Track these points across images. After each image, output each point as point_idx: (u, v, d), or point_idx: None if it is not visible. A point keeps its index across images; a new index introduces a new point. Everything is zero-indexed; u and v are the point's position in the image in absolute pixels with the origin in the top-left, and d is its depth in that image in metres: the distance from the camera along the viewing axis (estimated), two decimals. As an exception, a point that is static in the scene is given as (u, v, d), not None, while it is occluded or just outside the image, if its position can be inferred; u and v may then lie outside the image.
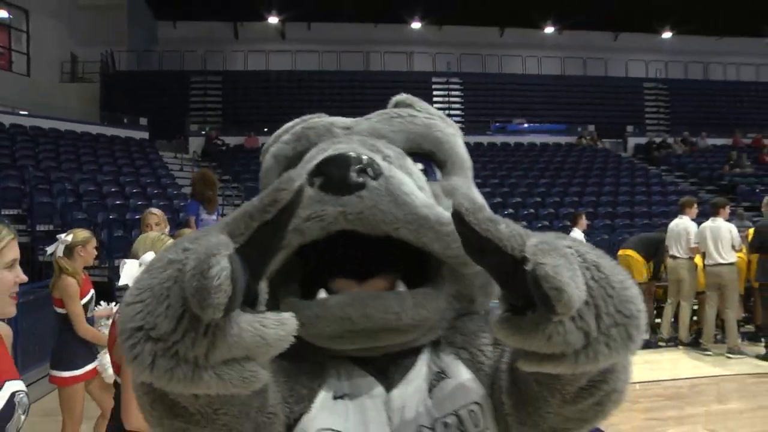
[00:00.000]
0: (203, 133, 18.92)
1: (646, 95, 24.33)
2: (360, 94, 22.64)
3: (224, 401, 0.72)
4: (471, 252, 0.69)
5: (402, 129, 0.97)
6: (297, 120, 1.13)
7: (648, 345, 8.16)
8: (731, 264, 7.22)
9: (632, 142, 21.16)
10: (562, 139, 20.62)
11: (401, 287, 0.85)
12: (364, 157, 0.81)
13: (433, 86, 23.57)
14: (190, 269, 0.60)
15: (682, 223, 7.77)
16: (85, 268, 4.12)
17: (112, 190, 12.17)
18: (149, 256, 2.18)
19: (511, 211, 13.69)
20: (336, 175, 0.79)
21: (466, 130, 21.52)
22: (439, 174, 0.98)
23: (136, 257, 2.41)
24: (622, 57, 24.46)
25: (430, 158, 0.98)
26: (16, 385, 1.54)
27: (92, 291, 4.11)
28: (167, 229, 4.32)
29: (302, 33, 23.85)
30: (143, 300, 0.65)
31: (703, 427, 5.04)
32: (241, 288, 0.61)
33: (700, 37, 24.68)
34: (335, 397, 0.86)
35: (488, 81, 23.50)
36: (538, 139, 20.57)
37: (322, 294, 0.84)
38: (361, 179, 0.79)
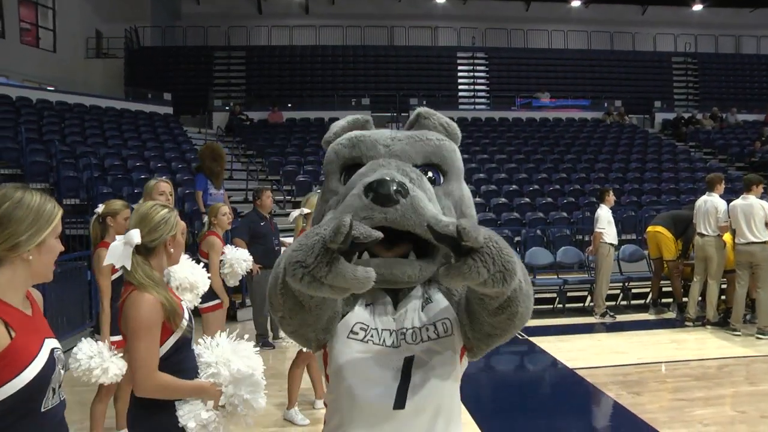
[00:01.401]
0: (227, 108, 18.93)
1: (674, 70, 23.80)
2: (384, 69, 22.49)
3: (321, 302, 1.35)
4: (438, 239, 1.23)
5: (421, 150, 1.52)
6: (349, 119, 1.63)
7: (674, 324, 8.09)
8: (764, 242, 7.05)
9: (659, 117, 20.74)
10: (588, 115, 20.30)
11: (412, 256, 1.43)
12: (398, 181, 1.34)
13: (458, 61, 23.31)
14: (330, 227, 1.17)
15: (711, 201, 7.61)
16: None
17: (137, 164, 12.24)
18: (135, 234, 2.22)
19: (536, 187, 13.55)
20: (381, 194, 1.32)
21: (491, 105, 21.45)
22: (442, 178, 1.53)
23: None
24: (650, 31, 23.95)
25: (437, 167, 1.53)
26: (54, 343, 1.73)
27: None
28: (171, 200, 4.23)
29: (326, 8, 23.67)
30: (301, 248, 1.21)
31: (733, 408, 4.95)
32: (348, 243, 1.16)
33: (731, 9, 24.03)
34: (366, 305, 1.48)
35: (513, 56, 23.17)
36: (564, 114, 20.27)
37: (366, 255, 1.41)
38: (396, 197, 1.31)
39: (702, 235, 7.62)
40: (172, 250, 2.32)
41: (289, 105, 19.63)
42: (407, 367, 1.41)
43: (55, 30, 19.95)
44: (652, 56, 23.72)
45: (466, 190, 1.58)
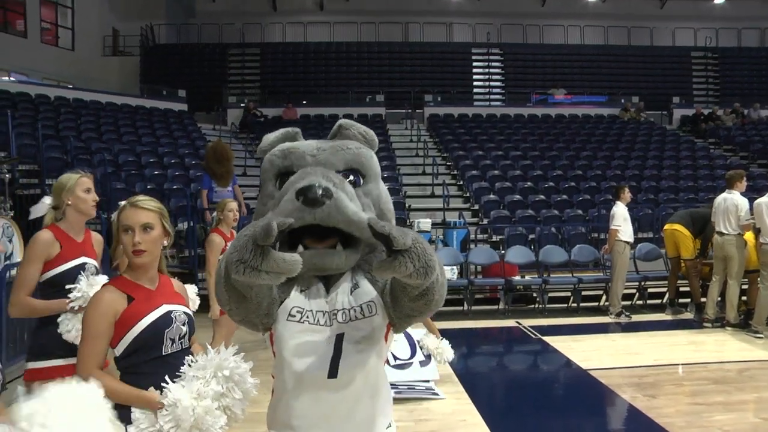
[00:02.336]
0: (241, 105, 18.94)
1: (694, 65, 23.44)
2: (398, 65, 22.41)
3: (260, 291, 1.59)
4: (375, 236, 1.44)
5: (342, 158, 1.76)
6: (280, 132, 1.89)
7: (692, 325, 7.93)
8: (789, 242, 6.87)
9: (678, 114, 20.41)
10: (605, 111, 20.05)
11: (340, 247, 1.65)
12: (324, 186, 1.56)
13: (473, 57, 23.14)
14: (257, 229, 1.39)
15: (731, 198, 7.44)
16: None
17: (151, 160, 12.26)
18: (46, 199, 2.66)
19: (551, 184, 13.39)
20: (310, 197, 1.54)
21: (507, 102, 21.29)
22: (362, 180, 1.77)
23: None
24: (669, 25, 23.61)
25: (357, 172, 1.76)
26: (170, 307, 2.29)
27: None
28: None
29: (340, 4, 23.58)
30: (236, 249, 1.42)
31: (755, 415, 4.75)
32: (273, 240, 1.38)
33: (756, 1, 23.58)
34: (301, 290, 1.71)
35: (529, 51, 22.96)
36: (580, 110, 20.04)
37: (300, 248, 1.64)
38: (322, 200, 1.54)
39: (721, 233, 7.45)
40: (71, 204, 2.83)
41: (304, 102, 19.61)
42: (338, 343, 1.67)
43: (74, 29, 20.23)
44: (670, 51, 23.38)
45: (383, 189, 1.83)
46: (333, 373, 1.65)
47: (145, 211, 2.29)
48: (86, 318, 2.19)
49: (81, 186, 3.16)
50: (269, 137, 1.87)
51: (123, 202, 2.40)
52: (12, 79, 16.02)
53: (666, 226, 8.64)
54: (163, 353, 2.20)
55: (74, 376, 2.06)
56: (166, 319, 2.22)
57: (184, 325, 2.28)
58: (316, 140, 1.83)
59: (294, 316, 1.68)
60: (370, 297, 1.71)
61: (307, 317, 1.67)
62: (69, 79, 18.26)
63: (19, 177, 10.42)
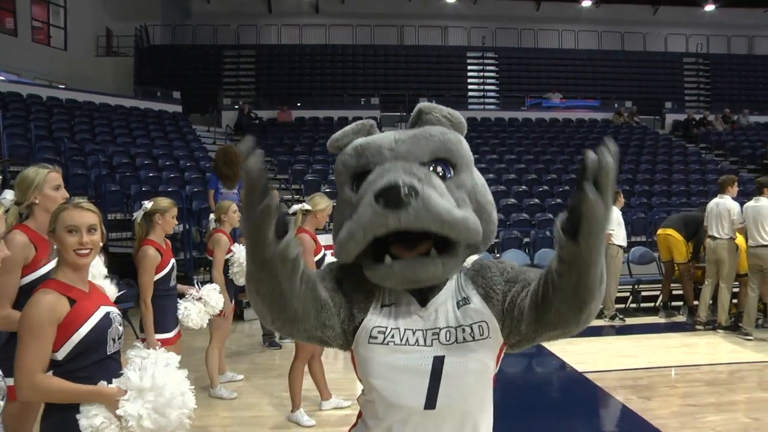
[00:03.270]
0: (236, 106, 18.93)
1: (685, 71, 23.64)
2: (393, 68, 22.46)
3: (286, 283, 1.33)
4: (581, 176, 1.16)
5: (426, 147, 1.47)
6: (352, 127, 1.60)
7: (685, 328, 8.00)
8: (775, 246, 6.97)
9: (670, 118, 20.58)
10: (598, 116, 20.18)
11: (434, 253, 1.38)
12: (408, 183, 1.32)
13: (468, 61, 23.24)
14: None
15: (723, 203, 7.52)
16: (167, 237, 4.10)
17: (145, 162, 12.24)
18: (8, 193, 2.41)
19: (545, 188, 13.47)
20: (392, 198, 1.30)
21: (501, 106, 21.37)
22: (452, 172, 1.48)
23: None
24: (662, 31, 23.80)
25: (445, 161, 1.48)
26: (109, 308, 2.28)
27: (173, 260, 4.06)
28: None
29: (336, 7, 23.64)
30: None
31: (746, 415, 4.86)
32: (261, 196, 1.24)
33: (744, 9, 23.82)
34: (382, 306, 1.46)
35: (524, 56, 23.08)
36: (574, 115, 20.16)
37: (388, 259, 1.38)
38: (407, 200, 1.30)
39: (714, 237, 7.53)
40: (38, 203, 2.43)
41: (299, 104, 19.62)
42: (437, 367, 1.41)
43: (67, 28, 20.07)
44: (663, 57, 23.57)
45: (479, 178, 1.55)
46: (431, 403, 1.42)
47: (90, 213, 2.25)
48: (28, 321, 2.09)
49: (50, 183, 2.90)
50: (341, 131, 1.62)
51: (62, 204, 2.36)
52: (2, 78, 15.82)
53: (659, 231, 8.72)
54: (107, 353, 2.21)
55: (18, 381, 2.06)
56: (107, 320, 2.22)
57: (120, 325, 2.29)
58: (395, 131, 1.57)
59: (376, 338, 1.43)
60: (482, 317, 1.43)
61: (392, 337, 1.43)
62: (61, 79, 18.14)
63: (10, 179, 10.39)
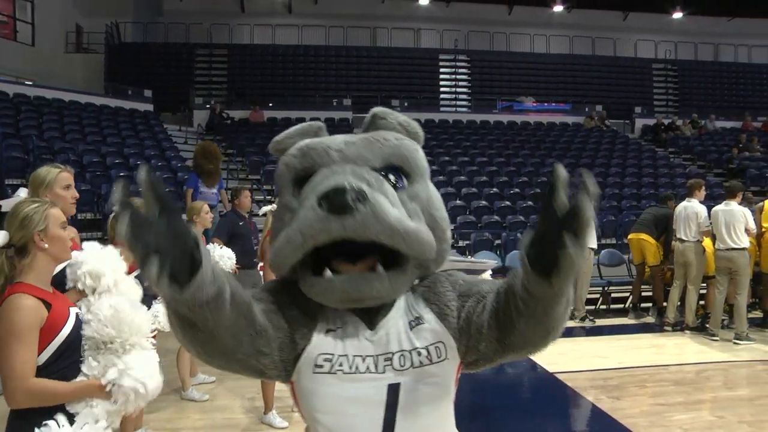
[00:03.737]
0: (208, 106, 18.78)
1: (654, 76, 24.08)
2: (366, 69, 22.48)
3: (207, 312, 1.11)
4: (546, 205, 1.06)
5: (380, 153, 1.33)
6: (297, 128, 1.47)
7: (654, 329, 8.15)
8: (743, 249, 7.14)
9: (640, 123, 20.95)
10: (569, 119, 20.44)
11: (380, 268, 1.23)
12: (356, 187, 1.18)
13: (440, 63, 23.35)
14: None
15: (691, 206, 7.68)
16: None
17: (116, 161, 12.08)
18: (2, 235, 2.14)
19: (516, 190, 13.60)
20: (337, 203, 1.16)
21: (473, 108, 21.51)
22: (405, 181, 1.34)
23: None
24: (632, 37, 24.21)
25: (399, 170, 1.34)
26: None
27: None
28: None
29: (309, 7, 23.57)
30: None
31: (712, 413, 4.98)
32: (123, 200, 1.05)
33: (710, 17, 24.35)
34: (327, 331, 1.29)
35: (496, 59, 23.27)
36: (545, 118, 20.39)
37: (328, 272, 1.23)
38: (354, 204, 1.16)
39: (682, 240, 7.69)
40: (46, 245, 2.15)
41: (271, 104, 19.52)
42: (393, 397, 1.25)
43: (34, 23, 19.60)
44: (632, 62, 23.97)
45: (433, 190, 1.40)
46: None
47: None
48: (14, 326, 2.02)
49: (61, 182, 2.97)
50: (284, 132, 1.47)
51: (46, 199, 2.36)
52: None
53: (631, 236, 8.84)
54: (81, 353, 2.21)
55: (10, 388, 2.01)
56: (79, 321, 2.22)
57: (84, 323, 2.28)
58: (345, 134, 1.42)
59: (322, 366, 1.26)
60: (438, 337, 1.28)
61: (341, 365, 1.26)
62: (29, 75, 17.73)
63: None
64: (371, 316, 1.29)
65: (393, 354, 1.27)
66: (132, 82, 18.47)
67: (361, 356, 1.26)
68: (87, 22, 21.11)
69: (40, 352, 2.06)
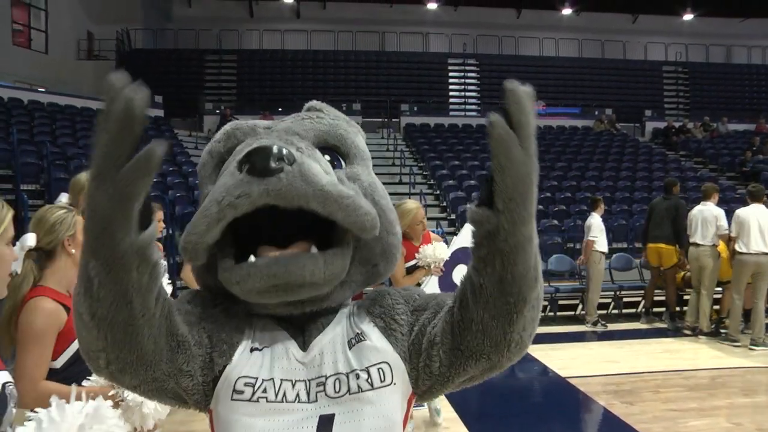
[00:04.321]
0: (218, 111, 18.89)
1: (665, 79, 23.96)
2: (375, 74, 22.52)
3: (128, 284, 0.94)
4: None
5: (312, 128, 1.16)
6: (230, 125, 1.27)
7: (666, 333, 8.10)
8: (762, 254, 7.04)
9: (650, 126, 20.86)
10: (579, 123, 20.38)
11: (313, 248, 1.03)
12: (282, 148, 1.01)
13: (449, 67, 23.36)
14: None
15: (708, 210, 7.63)
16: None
17: (128, 167, 12.15)
18: (29, 237, 2.10)
19: (527, 194, 13.55)
20: (259, 163, 0.98)
21: (482, 112, 21.49)
22: (344, 164, 1.16)
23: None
24: (641, 39, 24.10)
25: (335, 151, 1.16)
26: (4, 376, 1.59)
27: (164, 263, 4.02)
28: None
29: (317, 12, 23.65)
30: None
31: (728, 420, 4.94)
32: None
33: (722, 18, 24.22)
34: (252, 350, 1.07)
35: (504, 63, 23.22)
36: (555, 122, 20.34)
37: (252, 258, 1.03)
38: (279, 165, 0.98)
39: (697, 245, 7.63)
40: (73, 251, 2.17)
41: (280, 109, 19.53)
42: (325, 430, 1.03)
43: (47, 31, 19.91)
44: (642, 65, 23.87)
45: (376, 179, 1.20)
46: None
47: None
48: (32, 327, 2.06)
49: None
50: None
51: (67, 210, 2.30)
52: (-19, 82, 15.77)
53: (650, 245, 8.65)
54: None
55: (21, 390, 1.96)
56: (3, 400, 2.06)
57: (15, 405, 2.12)
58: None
59: (242, 392, 1.04)
60: (382, 357, 1.06)
61: (265, 392, 1.03)
62: (42, 82, 17.97)
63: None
64: (305, 333, 1.09)
65: (327, 378, 1.05)
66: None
67: (290, 381, 1.05)
68: (98, 30, 21.32)
69: (57, 356, 2.09)
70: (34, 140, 12.49)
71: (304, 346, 1.08)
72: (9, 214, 1.57)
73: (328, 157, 1.12)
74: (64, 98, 16.15)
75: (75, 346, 2.10)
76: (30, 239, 2.10)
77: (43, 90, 16.68)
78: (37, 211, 2.28)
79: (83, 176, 2.98)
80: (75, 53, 20.82)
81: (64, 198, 2.95)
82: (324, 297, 1.08)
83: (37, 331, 2.05)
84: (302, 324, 1.10)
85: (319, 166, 1.04)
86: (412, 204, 4.52)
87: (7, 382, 1.57)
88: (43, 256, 2.17)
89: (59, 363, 2.09)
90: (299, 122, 1.17)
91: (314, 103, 1.28)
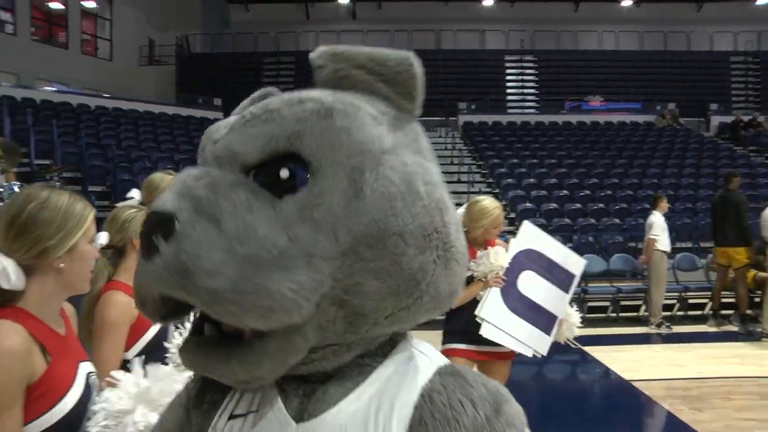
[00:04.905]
0: (276, 113, 19.18)
1: (733, 70, 23.00)
2: (431, 73, 22.16)
3: None
4: None
5: (259, 134, 0.79)
6: (252, 96, 1.03)
7: (736, 337, 7.77)
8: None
9: (716, 120, 20.06)
10: (640, 118, 19.80)
11: (249, 335, 0.76)
12: (164, 212, 0.73)
13: (506, 65, 23.09)
14: None
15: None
16: None
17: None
18: (102, 235, 2.03)
19: (587, 192, 13.26)
20: (144, 242, 0.74)
21: (541, 109, 21.17)
22: (306, 175, 0.77)
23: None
24: (707, 29, 23.23)
25: (295, 158, 0.78)
26: (88, 366, 1.60)
27: None
28: None
29: (373, 12, 23.74)
30: None
31: (808, 430, 4.70)
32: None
33: (799, 2, 23.09)
34: (231, 416, 0.83)
35: (563, 58, 22.81)
36: (615, 118, 19.84)
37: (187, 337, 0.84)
38: (156, 243, 0.72)
39: (772, 244, 7.31)
40: None
41: (338, 109, 19.76)
42: None
43: (112, 40, 20.85)
44: (708, 56, 23.01)
45: (384, 182, 0.80)
46: None
47: None
48: (106, 317, 2.13)
49: None
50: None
51: (134, 209, 2.35)
52: (54, 89, 16.64)
53: (718, 249, 8.30)
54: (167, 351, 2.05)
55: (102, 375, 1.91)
56: (88, 390, 1.78)
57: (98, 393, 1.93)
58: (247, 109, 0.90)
59: None
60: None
61: None
62: (107, 88, 18.78)
63: (62, 185, 10.70)
64: (310, 399, 0.80)
65: None
66: (202, 92, 19.10)
67: None
68: (159, 36, 22.05)
69: (128, 348, 2.17)
70: (100, 143, 13.01)
71: (298, 416, 0.79)
72: (91, 213, 1.58)
73: (285, 173, 0.77)
74: (127, 103, 16.79)
75: (147, 337, 2.20)
76: (102, 237, 2.17)
77: (108, 95, 17.36)
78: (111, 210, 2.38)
79: (157, 176, 3.09)
80: (137, 60, 21.61)
81: (135, 194, 2.97)
82: (317, 359, 0.79)
83: (111, 322, 2.14)
84: (310, 382, 0.81)
85: (215, 232, 0.72)
86: (490, 203, 3.65)
87: (90, 372, 1.57)
88: (115, 253, 2.27)
89: (131, 354, 2.16)
90: (241, 129, 0.83)
91: (268, 89, 0.98)
